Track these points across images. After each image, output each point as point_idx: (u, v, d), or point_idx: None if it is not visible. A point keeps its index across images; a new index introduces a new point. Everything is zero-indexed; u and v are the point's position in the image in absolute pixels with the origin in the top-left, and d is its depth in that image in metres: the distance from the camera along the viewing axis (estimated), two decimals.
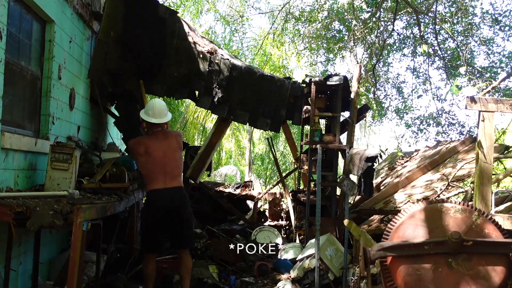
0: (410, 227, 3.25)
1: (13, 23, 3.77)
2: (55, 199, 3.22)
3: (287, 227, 7.52)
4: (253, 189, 8.85)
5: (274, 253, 5.95)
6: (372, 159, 4.80)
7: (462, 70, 10.30)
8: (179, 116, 14.69)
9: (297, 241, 6.22)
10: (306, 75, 6.50)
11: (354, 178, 5.12)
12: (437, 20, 10.36)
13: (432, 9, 10.45)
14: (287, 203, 7.41)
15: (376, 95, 12.91)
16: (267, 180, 19.40)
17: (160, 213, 4.23)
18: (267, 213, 8.07)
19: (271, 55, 15.64)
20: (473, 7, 11.39)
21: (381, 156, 10.55)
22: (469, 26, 11.14)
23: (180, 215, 4.27)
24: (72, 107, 5.00)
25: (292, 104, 6.57)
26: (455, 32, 11.44)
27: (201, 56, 6.14)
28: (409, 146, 13.54)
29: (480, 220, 3.18)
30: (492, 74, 11.17)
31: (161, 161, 4.24)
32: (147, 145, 4.27)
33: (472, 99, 3.93)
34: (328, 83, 5.78)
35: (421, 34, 10.39)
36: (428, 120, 12.99)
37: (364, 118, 8.10)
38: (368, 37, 11.66)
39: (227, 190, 8.43)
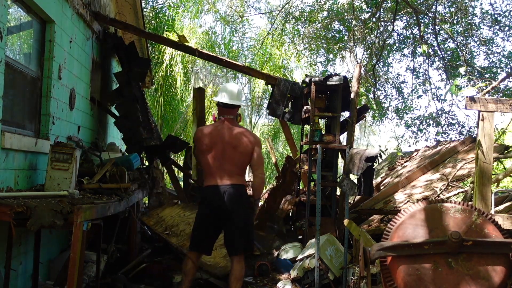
0: (410, 227, 3.25)
1: (13, 23, 3.77)
2: (55, 199, 3.22)
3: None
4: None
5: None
6: (372, 159, 4.80)
7: (462, 70, 10.32)
8: (179, 116, 14.71)
9: None
10: (306, 75, 6.51)
11: (354, 178, 5.12)
12: (437, 20, 10.36)
13: (432, 9, 10.45)
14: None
15: (376, 95, 12.93)
16: (267, 180, 19.40)
17: (209, 211, 4.01)
18: None
19: (270, 55, 15.65)
20: (473, 7, 11.41)
21: (381, 156, 10.58)
22: (469, 26, 11.16)
23: (231, 215, 3.97)
24: (72, 107, 5.01)
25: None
26: (455, 32, 11.45)
27: None
28: (409, 146, 13.57)
29: (480, 220, 3.18)
30: (492, 74, 11.18)
31: (221, 155, 4.01)
32: (209, 135, 4.07)
33: (472, 99, 3.93)
34: (328, 83, 5.79)
35: (421, 34, 10.40)
36: (428, 120, 13.01)
37: (364, 118, 8.10)
38: (368, 37, 11.66)
39: None
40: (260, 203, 7.78)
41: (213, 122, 4.44)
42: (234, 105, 4.20)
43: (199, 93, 6.86)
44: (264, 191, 9.52)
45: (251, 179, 5.20)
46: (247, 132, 4.21)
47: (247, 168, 4.34)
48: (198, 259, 4.16)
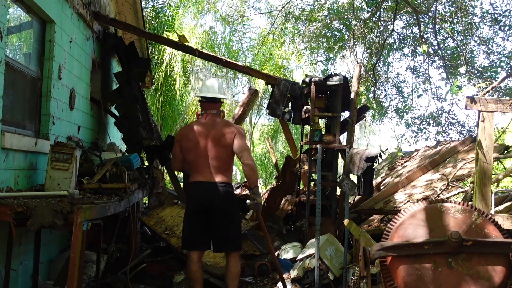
0: (410, 227, 3.26)
1: (13, 23, 3.77)
2: (55, 199, 3.22)
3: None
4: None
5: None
6: (372, 159, 4.80)
7: (462, 69, 10.32)
8: (179, 116, 14.70)
9: None
10: (306, 75, 6.51)
11: (354, 178, 5.12)
12: (437, 19, 10.35)
13: (432, 9, 10.45)
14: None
15: (376, 95, 12.91)
16: (267, 180, 19.40)
17: (197, 208, 3.98)
18: None
19: (270, 54, 15.64)
20: (473, 7, 11.39)
21: (381, 156, 10.56)
22: (469, 26, 11.14)
23: (221, 213, 3.95)
24: (72, 107, 5.01)
25: None
26: (455, 31, 11.44)
27: None
28: (409, 146, 13.55)
29: (480, 220, 3.18)
30: (492, 73, 11.18)
31: (205, 152, 3.99)
32: (192, 132, 4.05)
33: (472, 99, 3.93)
34: (328, 83, 5.79)
35: (421, 33, 10.39)
36: (428, 120, 12.99)
37: (364, 118, 8.10)
38: (368, 37, 11.66)
39: None
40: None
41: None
42: (215, 100, 4.18)
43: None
44: (264, 191, 9.51)
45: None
46: (228, 123, 4.16)
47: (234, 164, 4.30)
48: (200, 259, 4.08)
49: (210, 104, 4.17)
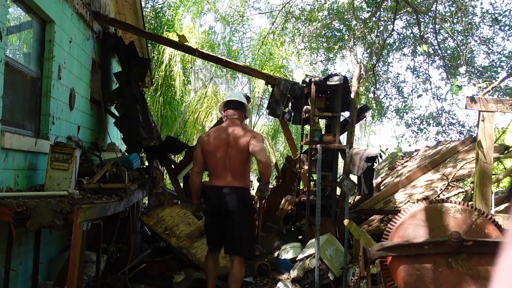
0: (410, 227, 3.25)
1: (13, 23, 3.77)
2: (55, 199, 3.21)
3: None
4: (253, 189, 8.84)
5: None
6: (372, 159, 4.79)
7: (462, 69, 10.32)
8: (179, 116, 14.70)
9: None
10: (306, 75, 6.50)
11: (354, 178, 5.11)
12: (437, 19, 10.35)
13: (432, 9, 10.45)
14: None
15: (376, 95, 12.90)
16: None
17: (211, 211, 4.15)
18: None
19: (270, 54, 15.63)
20: (473, 7, 11.39)
21: (381, 156, 10.55)
22: (469, 26, 11.14)
23: (228, 216, 4.05)
24: (72, 107, 5.00)
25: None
26: (455, 31, 11.44)
27: None
28: (409, 146, 13.54)
29: (480, 220, 3.18)
30: (492, 73, 11.18)
31: (223, 155, 4.10)
32: (214, 136, 4.17)
33: (472, 99, 3.93)
34: (328, 83, 5.78)
35: (421, 33, 10.39)
36: (428, 120, 12.99)
37: (364, 118, 8.10)
38: (368, 37, 11.65)
39: None
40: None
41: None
42: (238, 107, 4.31)
43: None
44: None
45: (250, 179, 5.20)
46: (244, 128, 4.27)
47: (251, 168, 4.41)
48: (215, 257, 4.23)
49: (233, 110, 4.32)
